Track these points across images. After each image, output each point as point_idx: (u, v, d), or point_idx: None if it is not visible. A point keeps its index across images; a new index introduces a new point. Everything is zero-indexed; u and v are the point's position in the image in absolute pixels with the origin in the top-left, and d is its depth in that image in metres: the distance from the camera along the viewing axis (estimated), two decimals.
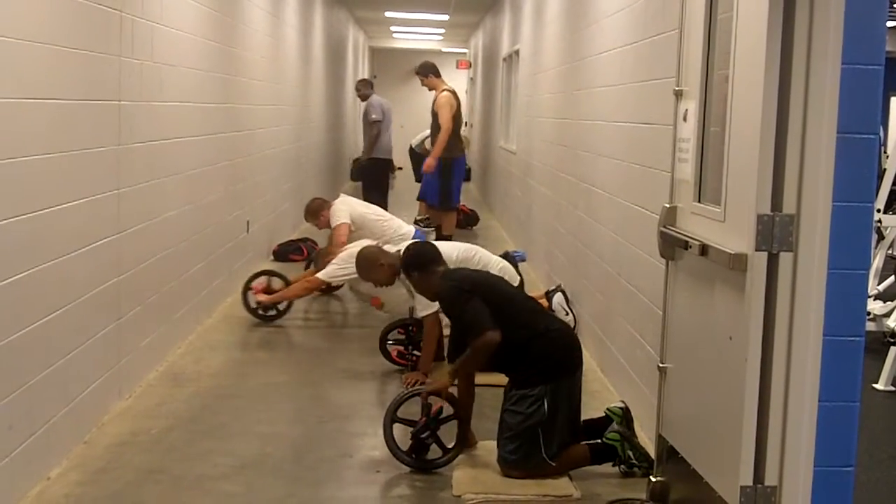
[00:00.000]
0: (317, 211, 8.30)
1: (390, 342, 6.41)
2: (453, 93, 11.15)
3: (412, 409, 4.69)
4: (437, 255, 5.23)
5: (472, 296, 4.61)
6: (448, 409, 4.68)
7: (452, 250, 6.35)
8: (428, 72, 11.27)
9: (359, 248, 6.62)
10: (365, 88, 13.04)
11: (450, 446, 4.62)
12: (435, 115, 11.10)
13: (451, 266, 5.85)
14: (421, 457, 4.59)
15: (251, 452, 4.73)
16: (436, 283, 4.97)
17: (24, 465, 4.09)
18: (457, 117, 11.10)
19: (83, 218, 4.72)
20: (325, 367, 6.41)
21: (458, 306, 4.67)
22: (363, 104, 12.95)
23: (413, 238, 7.90)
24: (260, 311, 7.50)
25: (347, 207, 8.14)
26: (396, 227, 8.09)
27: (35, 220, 4.15)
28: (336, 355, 6.70)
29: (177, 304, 6.49)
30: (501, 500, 4.27)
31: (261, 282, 7.60)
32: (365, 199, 10.04)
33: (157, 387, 5.70)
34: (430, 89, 11.37)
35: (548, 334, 4.60)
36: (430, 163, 11.08)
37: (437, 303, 5.86)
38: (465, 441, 4.69)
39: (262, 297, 7.43)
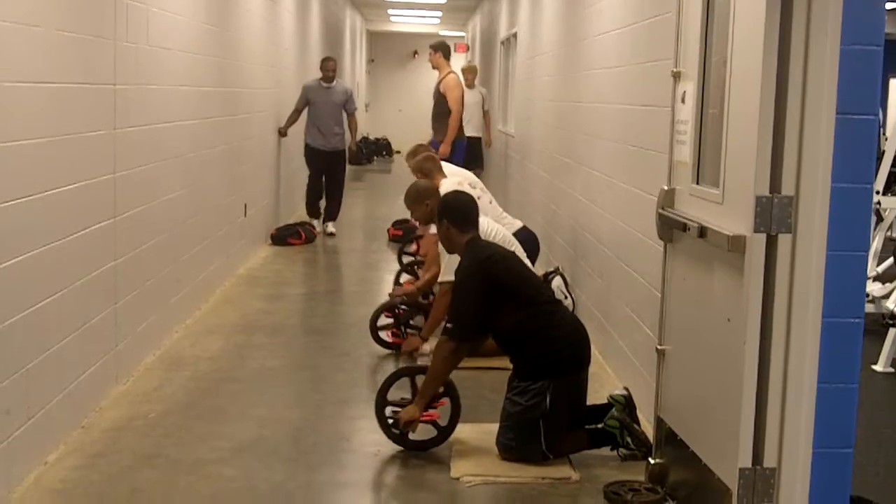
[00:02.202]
0: (414, 154, 7.85)
1: (381, 327, 6.42)
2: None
3: (402, 391, 4.71)
4: (474, 217, 4.97)
5: (481, 282, 4.55)
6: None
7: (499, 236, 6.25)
8: (439, 49, 11.19)
9: None
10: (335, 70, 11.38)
11: (443, 425, 4.62)
12: (441, 97, 11.02)
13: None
14: (415, 438, 4.59)
15: (249, 436, 4.73)
16: (459, 244, 4.83)
17: (22, 450, 4.08)
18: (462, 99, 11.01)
19: (79, 202, 4.70)
20: (323, 351, 6.40)
21: (463, 285, 4.62)
22: (330, 87, 11.08)
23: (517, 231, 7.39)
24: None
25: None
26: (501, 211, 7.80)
27: (30, 204, 4.13)
28: (334, 339, 6.69)
29: (174, 288, 6.48)
30: (500, 483, 4.27)
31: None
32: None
33: (155, 371, 5.69)
34: (434, 67, 11.28)
35: (558, 329, 4.58)
36: (444, 150, 10.62)
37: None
38: (458, 416, 4.66)
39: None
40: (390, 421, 4.60)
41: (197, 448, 4.57)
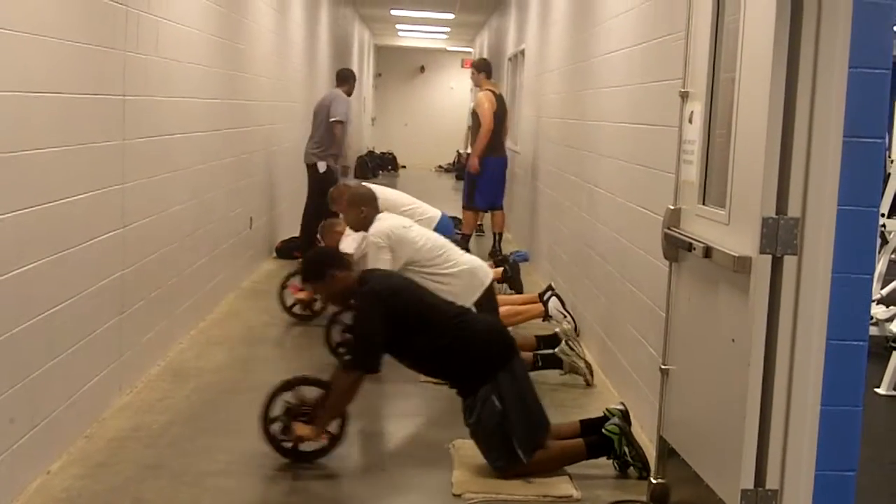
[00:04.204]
0: (340, 197, 7.92)
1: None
2: (495, 93, 10.92)
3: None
4: (337, 257, 4.84)
5: (382, 313, 4.46)
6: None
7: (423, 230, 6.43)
8: (481, 69, 11.15)
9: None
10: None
11: (335, 432, 4.60)
12: (475, 113, 11.04)
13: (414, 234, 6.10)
14: (306, 449, 4.56)
15: (252, 449, 4.72)
16: (349, 286, 4.65)
17: (25, 459, 4.09)
18: (498, 116, 10.80)
19: (87, 212, 4.72)
20: (326, 365, 6.39)
21: (364, 318, 4.51)
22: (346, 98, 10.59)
23: (440, 222, 7.74)
24: (297, 310, 7.40)
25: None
26: (421, 212, 7.93)
27: (39, 214, 4.15)
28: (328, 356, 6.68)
29: (179, 300, 6.49)
30: (501, 500, 4.27)
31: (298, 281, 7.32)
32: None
33: (159, 382, 5.70)
34: (476, 86, 11.29)
35: (473, 333, 4.56)
36: (473, 162, 10.85)
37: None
38: (347, 422, 4.62)
39: (302, 295, 7.27)
40: (282, 437, 4.55)
41: (200, 460, 4.57)
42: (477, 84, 11.22)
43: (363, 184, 8.26)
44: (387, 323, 4.48)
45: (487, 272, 6.46)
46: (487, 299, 6.23)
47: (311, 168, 10.28)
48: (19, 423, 4.03)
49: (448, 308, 4.71)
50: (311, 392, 4.64)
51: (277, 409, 4.60)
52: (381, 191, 7.99)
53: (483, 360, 4.49)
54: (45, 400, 4.31)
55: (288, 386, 4.68)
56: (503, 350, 4.56)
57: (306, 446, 4.56)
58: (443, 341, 4.51)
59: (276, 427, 4.56)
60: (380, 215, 6.31)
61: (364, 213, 6.31)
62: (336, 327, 6.34)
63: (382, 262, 5.96)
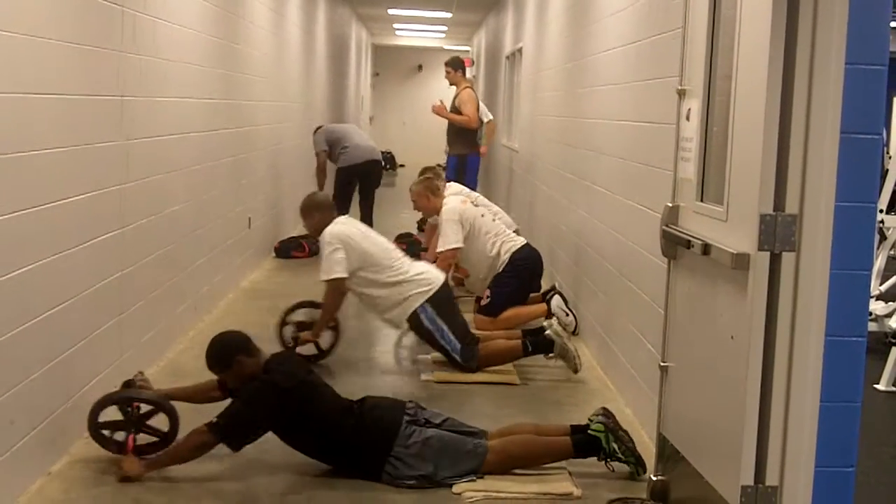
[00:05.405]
0: (431, 190, 7.70)
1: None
2: (475, 92, 11.20)
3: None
4: (244, 344, 4.68)
5: (272, 406, 4.43)
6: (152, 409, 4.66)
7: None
8: (457, 67, 11.25)
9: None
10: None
11: (165, 430, 4.59)
12: (456, 111, 11.08)
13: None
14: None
15: (252, 451, 4.70)
16: (254, 371, 4.55)
17: (26, 460, 4.09)
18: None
19: (86, 213, 4.72)
20: (325, 367, 6.40)
21: (253, 404, 4.45)
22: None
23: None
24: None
25: (458, 216, 7.46)
26: (506, 220, 8.05)
27: (38, 215, 4.15)
28: (338, 353, 6.68)
29: (178, 300, 6.50)
30: (502, 498, 4.27)
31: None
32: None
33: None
34: (451, 84, 11.30)
35: (361, 423, 4.51)
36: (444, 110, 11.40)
37: (340, 270, 6.03)
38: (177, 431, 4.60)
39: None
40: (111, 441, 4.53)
41: (201, 461, 4.54)
42: (454, 82, 11.24)
43: (450, 183, 8.31)
44: (273, 416, 4.45)
45: (437, 275, 6.39)
46: (442, 301, 6.24)
47: (379, 164, 11.30)
48: (19, 424, 4.03)
49: (337, 404, 4.65)
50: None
51: (114, 414, 4.56)
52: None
53: (373, 443, 4.46)
54: (46, 401, 4.31)
55: (109, 403, 4.60)
56: (391, 429, 4.48)
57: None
58: (341, 435, 4.49)
59: (107, 432, 4.53)
60: (338, 219, 6.27)
61: (316, 218, 6.27)
62: (287, 328, 6.38)
63: (337, 261, 6.04)
